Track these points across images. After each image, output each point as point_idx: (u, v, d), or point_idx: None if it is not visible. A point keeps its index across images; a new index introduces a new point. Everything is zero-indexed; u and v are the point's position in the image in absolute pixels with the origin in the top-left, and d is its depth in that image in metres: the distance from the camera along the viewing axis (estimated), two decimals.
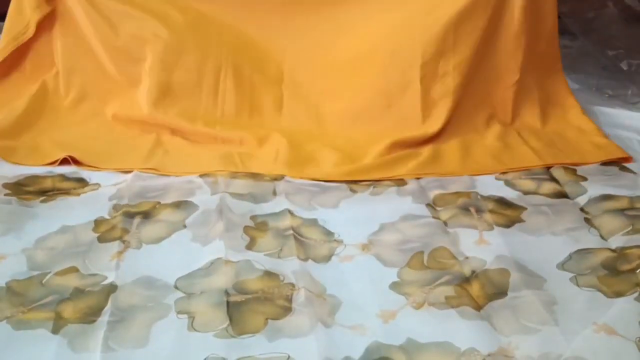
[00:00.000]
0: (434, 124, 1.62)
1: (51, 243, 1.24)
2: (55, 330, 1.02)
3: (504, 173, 1.52)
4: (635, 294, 1.10)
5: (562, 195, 1.42)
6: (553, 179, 1.49)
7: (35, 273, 1.15)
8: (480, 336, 1.01)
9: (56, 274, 1.15)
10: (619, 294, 1.10)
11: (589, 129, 1.69)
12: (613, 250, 1.22)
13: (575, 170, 1.52)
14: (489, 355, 0.97)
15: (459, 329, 1.03)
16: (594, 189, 1.42)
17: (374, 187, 1.46)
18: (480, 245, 1.24)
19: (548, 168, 1.53)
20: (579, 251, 1.22)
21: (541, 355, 0.98)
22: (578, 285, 1.13)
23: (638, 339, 1.00)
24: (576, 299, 1.10)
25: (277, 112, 1.70)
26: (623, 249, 1.22)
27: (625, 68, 1.96)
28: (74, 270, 1.16)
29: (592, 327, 1.02)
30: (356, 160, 1.56)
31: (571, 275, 1.16)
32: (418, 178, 1.50)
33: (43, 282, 1.13)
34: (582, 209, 1.36)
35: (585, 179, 1.48)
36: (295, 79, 1.73)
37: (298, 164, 1.53)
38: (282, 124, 1.67)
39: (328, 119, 1.68)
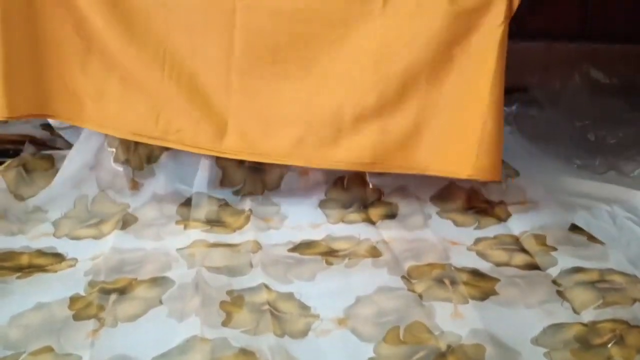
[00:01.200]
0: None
1: (26, 320, 1.22)
2: None
3: (475, 244, 1.55)
4: None
5: (534, 266, 1.45)
6: (523, 250, 1.51)
7: (9, 353, 1.14)
8: None
9: (30, 353, 1.14)
10: None
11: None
12: (585, 325, 1.24)
13: (544, 239, 1.54)
14: None
15: None
16: (564, 260, 1.45)
17: (349, 258, 1.47)
18: (455, 319, 1.25)
19: (517, 238, 1.56)
20: (552, 325, 1.24)
21: None
22: None
23: None
24: None
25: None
26: (594, 322, 1.23)
27: (592, 139, 2.01)
28: (48, 349, 1.15)
29: None
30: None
31: (545, 350, 1.17)
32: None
33: None
34: (554, 281, 1.39)
35: (554, 249, 1.50)
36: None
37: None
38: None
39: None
